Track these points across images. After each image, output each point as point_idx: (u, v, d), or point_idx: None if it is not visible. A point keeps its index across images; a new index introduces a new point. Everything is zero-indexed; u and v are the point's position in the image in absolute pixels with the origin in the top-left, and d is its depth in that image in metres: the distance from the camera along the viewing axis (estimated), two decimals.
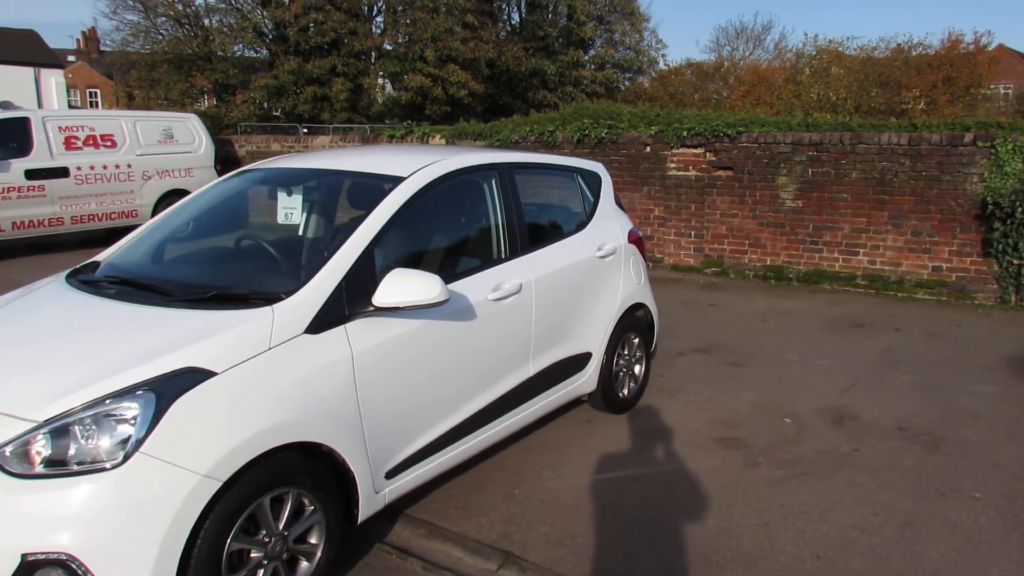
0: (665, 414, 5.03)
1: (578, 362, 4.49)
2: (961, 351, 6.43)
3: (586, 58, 35.33)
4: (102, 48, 45.21)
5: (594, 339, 4.59)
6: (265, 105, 33.74)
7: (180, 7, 32.65)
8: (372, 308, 3.10)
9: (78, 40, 42.00)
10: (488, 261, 3.92)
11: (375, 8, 32.58)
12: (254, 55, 33.85)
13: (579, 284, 4.44)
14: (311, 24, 31.32)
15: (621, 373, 4.97)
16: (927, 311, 7.79)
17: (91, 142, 11.68)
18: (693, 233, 9.61)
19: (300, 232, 3.99)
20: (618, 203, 5.12)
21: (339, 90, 31.20)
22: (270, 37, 33.66)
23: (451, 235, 3.96)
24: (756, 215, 9.12)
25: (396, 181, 3.55)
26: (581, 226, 4.66)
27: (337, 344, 3.01)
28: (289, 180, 4.00)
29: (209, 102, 35.54)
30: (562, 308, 4.29)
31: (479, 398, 3.71)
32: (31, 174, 10.82)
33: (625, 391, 5.02)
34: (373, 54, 33.55)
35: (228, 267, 3.59)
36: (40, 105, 33.18)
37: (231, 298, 3.00)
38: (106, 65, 43.87)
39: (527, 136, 10.65)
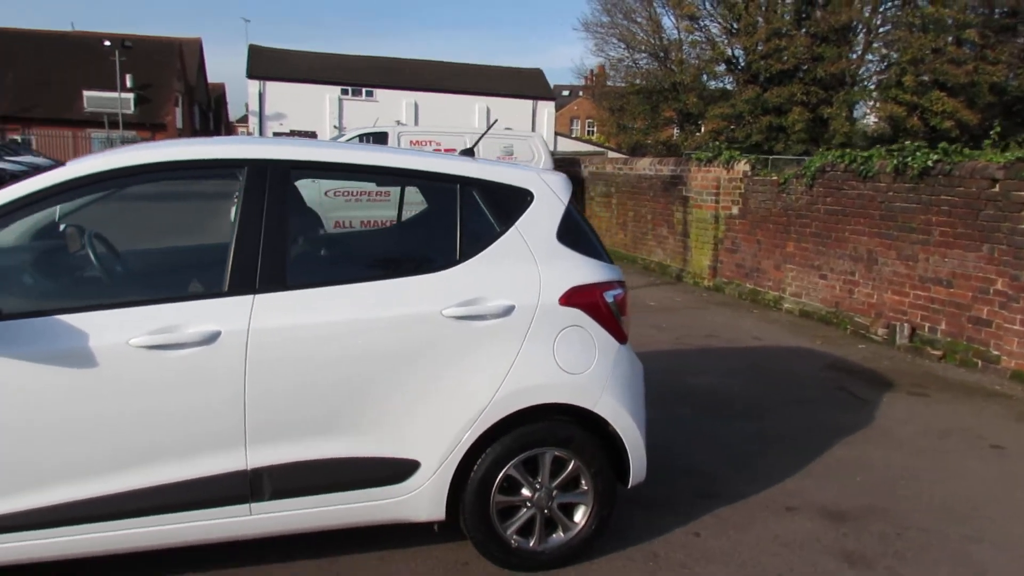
0: None
1: (382, 470, 2.89)
2: None
3: None
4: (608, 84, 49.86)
5: (427, 441, 2.90)
6: (726, 136, 33.16)
7: (657, 42, 34.05)
8: None
9: (586, 77, 47.03)
10: (175, 293, 2.72)
11: (850, 31, 29.25)
12: (715, 85, 33.55)
13: (387, 351, 2.84)
14: (780, 50, 29.67)
15: (523, 508, 3.10)
16: None
17: None
18: None
19: None
20: (576, 236, 3.17)
21: (795, 120, 28.91)
22: (738, 67, 32.96)
23: (109, 250, 2.87)
24: None
25: (42, 171, 2.68)
26: (439, 264, 2.98)
27: None
28: None
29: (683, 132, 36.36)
30: (333, 382, 2.79)
31: (85, 481, 2.57)
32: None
33: (531, 541, 3.11)
34: (847, 78, 30.20)
35: None
36: (532, 132, 38.10)
37: None
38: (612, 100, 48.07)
39: (836, 163, 7.96)
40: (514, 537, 3.09)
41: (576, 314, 3.07)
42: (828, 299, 8.19)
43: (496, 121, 4.24)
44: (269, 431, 2.73)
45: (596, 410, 3.08)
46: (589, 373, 3.07)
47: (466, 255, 3.00)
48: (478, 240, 3.04)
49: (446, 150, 12.72)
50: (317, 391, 2.77)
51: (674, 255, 11.00)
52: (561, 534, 3.17)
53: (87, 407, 2.55)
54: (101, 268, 2.91)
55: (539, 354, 3.00)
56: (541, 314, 3.01)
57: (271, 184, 2.81)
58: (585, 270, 3.13)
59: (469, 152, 3.73)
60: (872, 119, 30.65)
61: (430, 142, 12.59)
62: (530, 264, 3.05)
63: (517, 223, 3.08)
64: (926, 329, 7.03)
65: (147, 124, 37.71)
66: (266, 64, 36.23)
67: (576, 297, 3.07)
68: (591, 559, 3.23)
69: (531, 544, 3.12)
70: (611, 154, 29.83)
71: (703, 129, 34.41)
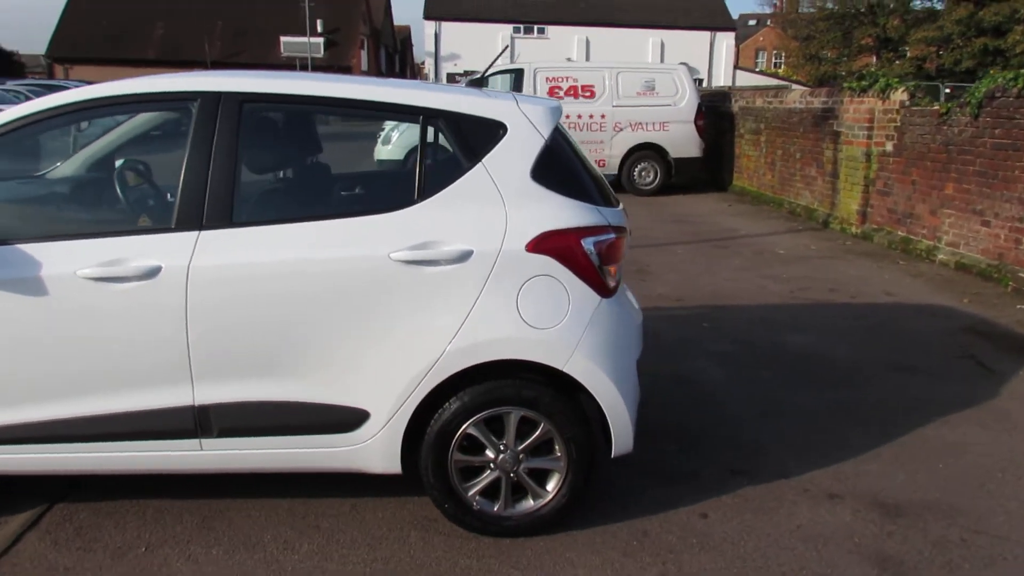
0: (546, 567, 2.71)
1: (329, 416, 2.75)
2: None
3: None
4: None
5: (376, 391, 2.73)
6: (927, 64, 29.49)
7: None
8: None
9: (774, 5, 43.31)
10: (127, 228, 2.71)
11: None
12: (920, 5, 29.79)
13: (330, 295, 2.67)
14: None
15: (487, 470, 2.86)
16: None
17: (572, 92, 12.10)
18: None
19: None
20: (558, 175, 2.78)
21: (1017, 41, 25.08)
22: None
23: (65, 182, 2.86)
24: None
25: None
26: (394, 204, 2.72)
27: None
28: None
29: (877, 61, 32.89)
30: (275, 322, 2.67)
31: (33, 404, 2.67)
32: None
33: (496, 505, 2.88)
34: None
35: None
36: (710, 66, 35.96)
37: None
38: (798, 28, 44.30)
39: (1008, 88, 6.65)
40: (476, 499, 2.86)
41: (547, 262, 2.72)
42: (990, 250, 6.99)
43: (507, 48, 3.87)
44: (213, 369, 2.68)
45: (566, 370, 2.74)
46: (559, 329, 2.73)
47: (425, 194, 2.73)
48: (440, 178, 2.76)
49: (583, 87, 12.24)
50: (258, 331, 2.68)
51: (822, 198, 9.90)
52: (531, 501, 2.90)
53: (35, 333, 2.64)
54: (67, 201, 2.98)
55: (499, 306, 2.70)
56: (504, 261, 2.70)
57: (222, 117, 2.70)
58: (563, 213, 2.76)
59: (478, 83, 3.42)
60: None
61: (566, 78, 12.13)
62: (496, 205, 2.73)
63: (484, 159, 2.75)
64: None
65: (335, 67, 39.77)
66: (442, 4, 36.75)
67: (547, 243, 2.72)
68: (568, 530, 2.94)
69: (495, 508, 2.88)
70: (794, 87, 27.47)
71: (906, 56, 30.82)
